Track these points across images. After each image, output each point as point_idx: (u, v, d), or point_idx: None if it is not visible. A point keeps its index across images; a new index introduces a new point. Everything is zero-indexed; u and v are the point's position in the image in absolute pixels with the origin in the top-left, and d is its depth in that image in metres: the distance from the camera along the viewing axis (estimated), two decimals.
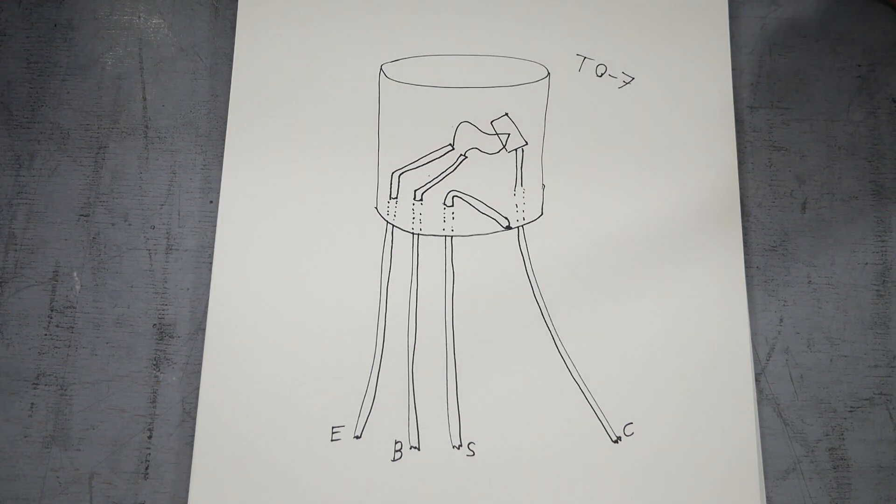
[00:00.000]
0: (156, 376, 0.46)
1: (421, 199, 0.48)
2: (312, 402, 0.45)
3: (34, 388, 0.46)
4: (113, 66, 0.51)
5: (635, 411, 0.45)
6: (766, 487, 0.45)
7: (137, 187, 0.49)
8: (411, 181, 0.48)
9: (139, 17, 0.52)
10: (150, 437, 0.45)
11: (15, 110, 0.50)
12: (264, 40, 0.50)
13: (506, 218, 0.47)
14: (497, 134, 0.48)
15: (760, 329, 0.47)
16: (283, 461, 0.44)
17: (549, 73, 0.50)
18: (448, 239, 0.47)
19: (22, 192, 0.48)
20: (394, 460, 0.44)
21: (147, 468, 0.45)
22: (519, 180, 0.48)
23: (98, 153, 0.49)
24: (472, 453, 0.44)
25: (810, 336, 0.47)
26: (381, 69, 0.50)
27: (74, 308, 0.47)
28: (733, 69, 0.50)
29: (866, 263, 0.48)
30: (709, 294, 0.46)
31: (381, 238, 0.47)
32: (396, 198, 0.48)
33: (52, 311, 0.47)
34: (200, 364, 0.45)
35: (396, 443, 0.44)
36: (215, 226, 0.47)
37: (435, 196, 0.48)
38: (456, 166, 0.48)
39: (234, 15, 0.51)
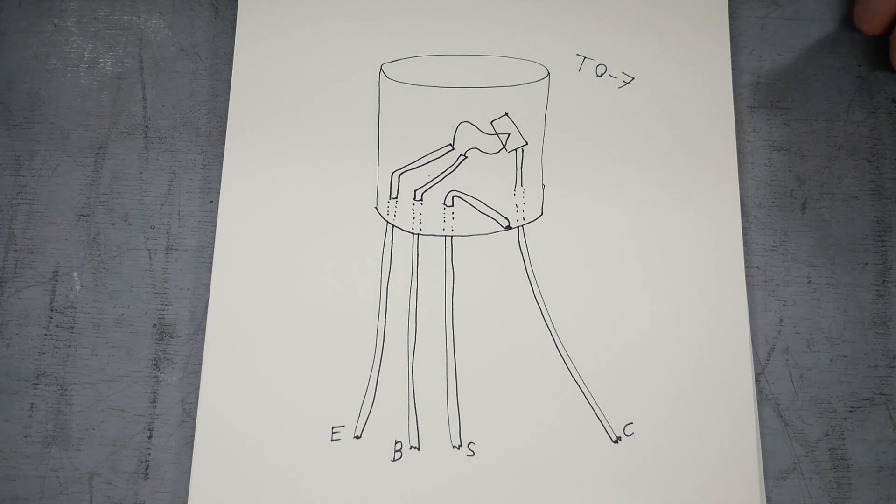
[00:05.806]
0: (156, 376, 0.46)
1: (421, 199, 0.48)
2: (312, 402, 0.45)
3: (34, 388, 0.46)
4: (113, 66, 0.51)
5: (635, 411, 0.45)
6: (766, 487, 0.45)
7: (137, 187, 0.49)
8: (411, 181, 0.48)
9: (139, 17, 0.52)
10: (150, 437, 0.45)
11: (15, 110, 0.50)
12: (264, 40, 0.50)
13: (506, 218, 0.47)
14: (497, 134, 0.48)
15: (760, 329, 0.47)
16: (283, 461, 0.44)
17: (549, 73, 0.50)
18: (448, 239, 0.47)
19: (22, 192, 0.48)
20: (394, 460, 0.44)
21: (147, 468, 0.45)
22: (519, 180, 0.48)
23: (98, 153, 0.49)
24: (472, 453, 0.44)
25: (810, 336, 0.47)
26: (381, 69, 0.50)
27: (74, 308, 0.47)
28: (733, 69, 0.50)
29: (866, 263, 0.48)
30: (709, 294, 0.46)
31: (381, 238, 0.47)
32: (396, 198, 0.48)
33: (52, 311, 0.47)
34: (200, 364, 0.45)
35: (396, 443, 0.44)
36: (215, 226, 0.47)
37: (435, 196, 0.48)
38: (456, 166, 0.48)
39: (234, 15, 0.51)
